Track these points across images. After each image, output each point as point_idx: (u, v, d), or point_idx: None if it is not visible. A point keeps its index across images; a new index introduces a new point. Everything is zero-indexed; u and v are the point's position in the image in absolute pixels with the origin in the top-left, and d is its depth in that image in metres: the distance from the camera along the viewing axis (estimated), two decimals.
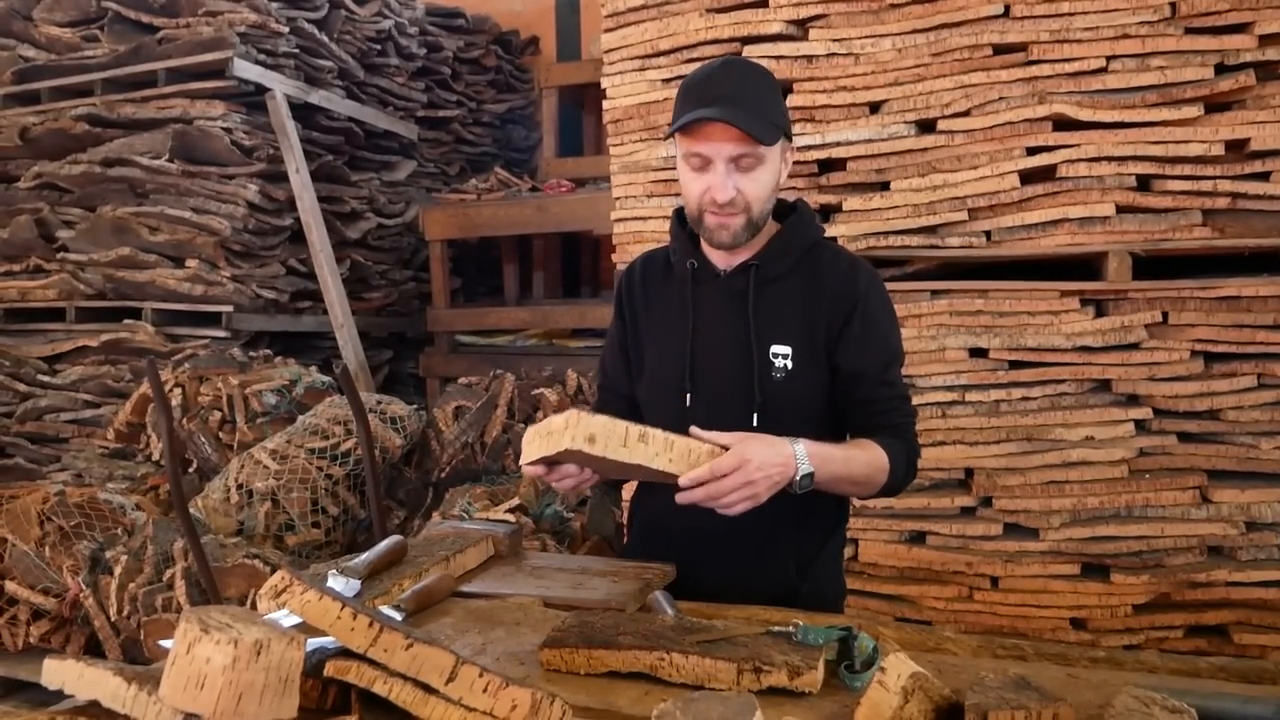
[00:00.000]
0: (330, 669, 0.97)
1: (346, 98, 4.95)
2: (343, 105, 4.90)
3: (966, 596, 2.34)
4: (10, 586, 3.23)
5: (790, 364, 1.47)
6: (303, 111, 4.66)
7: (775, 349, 1.48)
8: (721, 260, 1.51)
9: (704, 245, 1.52)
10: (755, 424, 1.46)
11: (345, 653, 0.98)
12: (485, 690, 0.93)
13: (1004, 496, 2.31)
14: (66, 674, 0.93)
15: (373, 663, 0.96)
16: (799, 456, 1.30)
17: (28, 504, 3.39)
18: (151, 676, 0.89)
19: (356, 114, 4.97)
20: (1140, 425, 2.26)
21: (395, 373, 5.31)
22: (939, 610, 2.35)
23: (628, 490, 2.27)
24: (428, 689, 0.94)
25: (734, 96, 1.37)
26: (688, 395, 1.51)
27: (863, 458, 1.41)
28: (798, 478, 1.30)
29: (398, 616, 1.21)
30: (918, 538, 2.39)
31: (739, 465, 1.24)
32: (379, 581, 1.31)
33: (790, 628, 1.14)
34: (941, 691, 0.96)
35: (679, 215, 1.56)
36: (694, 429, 1.29)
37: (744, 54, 2.47)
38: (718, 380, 1.51)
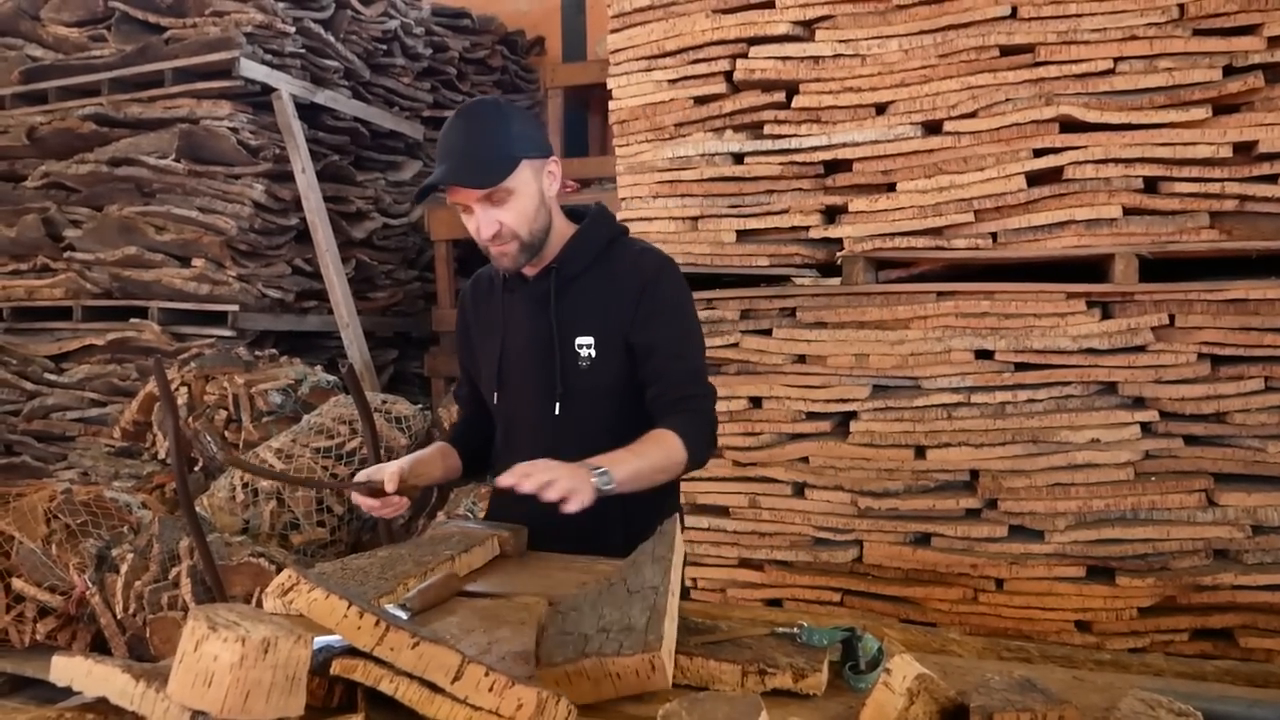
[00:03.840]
0: (336, 667, 0.97)
1: (352, 98, 4.95)
2: (349, 105, 4.90)
3: (971, 599, 2.34)
4: (17, 584, 3.24)
5: (594, 353, 1.61)
6: (309, 111, 4.67)
7: (579, 340, 1.62)
8: (529, 268, 1.64)
9: None
10: (557, 412, 1.61)
11: (352, 651, 0.98)
12: (491, 689, 0.93)
13: (1009, 498, 2.31)
14: (75, 671, 0.93)
15: (379, 661, 0.96)
16: (591, 464, 1.42)
17: (35, 502, 3.40)
18: (160, 674, 0.89)
19: (362, 114, 4.97)
20: (1146, 428, 2.25)
21: (400, 372, 5.31)
22: (943, 612, 2.35)
23: None
24: (434, 688, 0.94)
25: (463, 149, 1.52)
26: (495, 394, 1.70)
27: (656, 449, 1.51)
28: (593, 476, 1.41)
29: (403, 615, 1.21)
30: (922, 539, 2.39)
31: (529, 470, 1.38)
32: (384, 580, 1.31)
33: (795, 629, 1.14)
34: (947, 693, 0.96)
35: None
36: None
37: (751, 55, 2.47)
38: (523, 376, 1.66)
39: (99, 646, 3.24)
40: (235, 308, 4.44)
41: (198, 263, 4.47)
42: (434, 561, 1.38)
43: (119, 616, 3.12)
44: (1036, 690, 0.97)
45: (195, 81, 4.44)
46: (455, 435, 1.84)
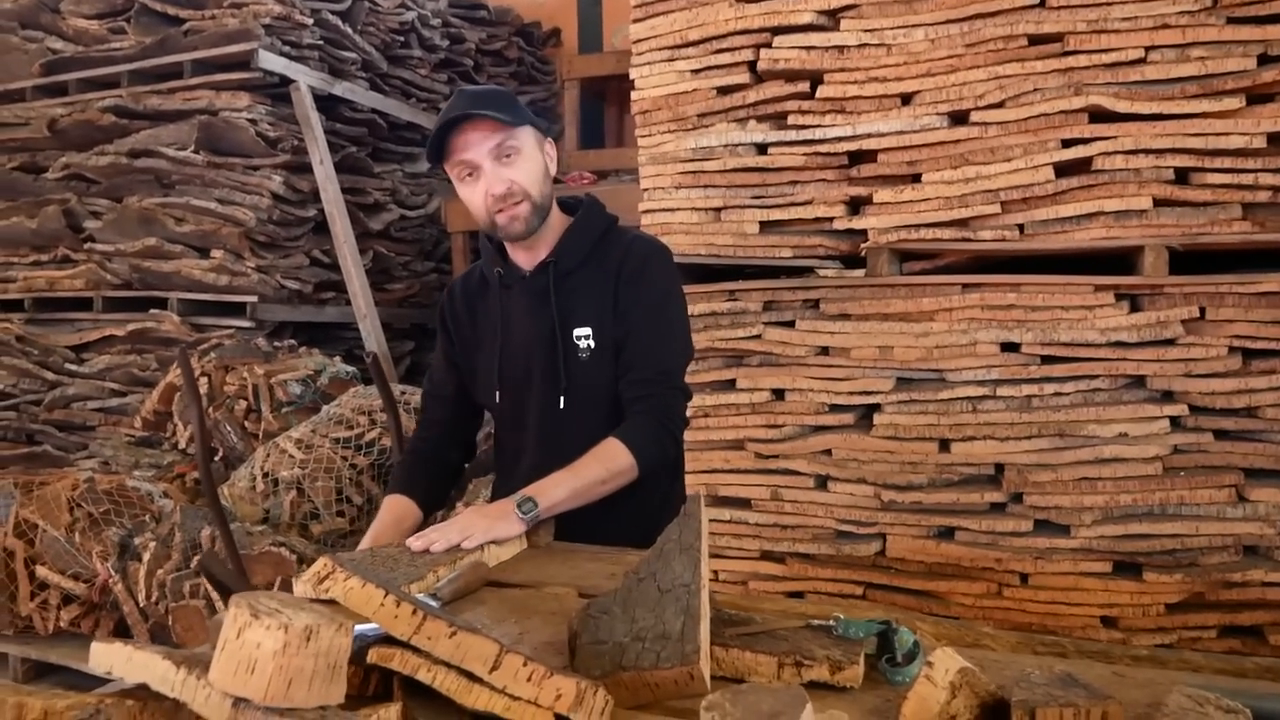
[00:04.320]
0: (373, 655, 0.97)
1: (370, 89, 4.96)
2: (366, 97, 4.90)
3: (995, 593, 2.32)
4: (41, 571, 3.27)
5: (592, 343, 1.61)
6: (326, 103, 4.68)
7: (578, 331, 1.62)
8: (525, 262, 1.65)
9: (509, 251, 1.66)
10: (563, 406, 1.62)
11: (388, 640, 0.98)
12: (529, 679, 0.92)
13: (1035, 493, 2.29)
14: (114, 657, 0.93)
15: (416, 650, 0.96)
16: (518, 496, 1.46)
17: (58, 490, 3.42)
18: (201, 660, 0.89)
19: (379, 106, 4.98)
20: (1175, 422, 2.23)
21: (417, 364, 5.32)
22: (967, 606, 2.33)
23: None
24: (471, 677, 0.94)
25: (471, 104, 1.53)
26: (497, 393, 1.68)
27: (594, 465, 1.52)
28: (516, 506, 1.45)
29: (434, 604, 1.21)
30: (946, 533, 2.38)
31: (456, 520, 1.43)
32: (413, 568, 1.31)
33: (830, 621, 1.13)
34: (987, 687, 0.95)
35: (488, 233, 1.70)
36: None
37: (774, 44, 2.46)
38: (527, 373, 1.65)
39: (121, 634, 3.26)
40: (254, 299, 4.46)
41: (217, 254, 4.48)
42: (464, 551, 1.38)
43: (141, 604, 3.13)
44: (1079, 685, 0.96)
45: (214, 73, 4.46)
46: (411, 473, 1.73)
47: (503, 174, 1.53)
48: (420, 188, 5.29)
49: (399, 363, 5.02)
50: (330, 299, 4.82)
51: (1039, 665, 1.13)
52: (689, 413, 1.79)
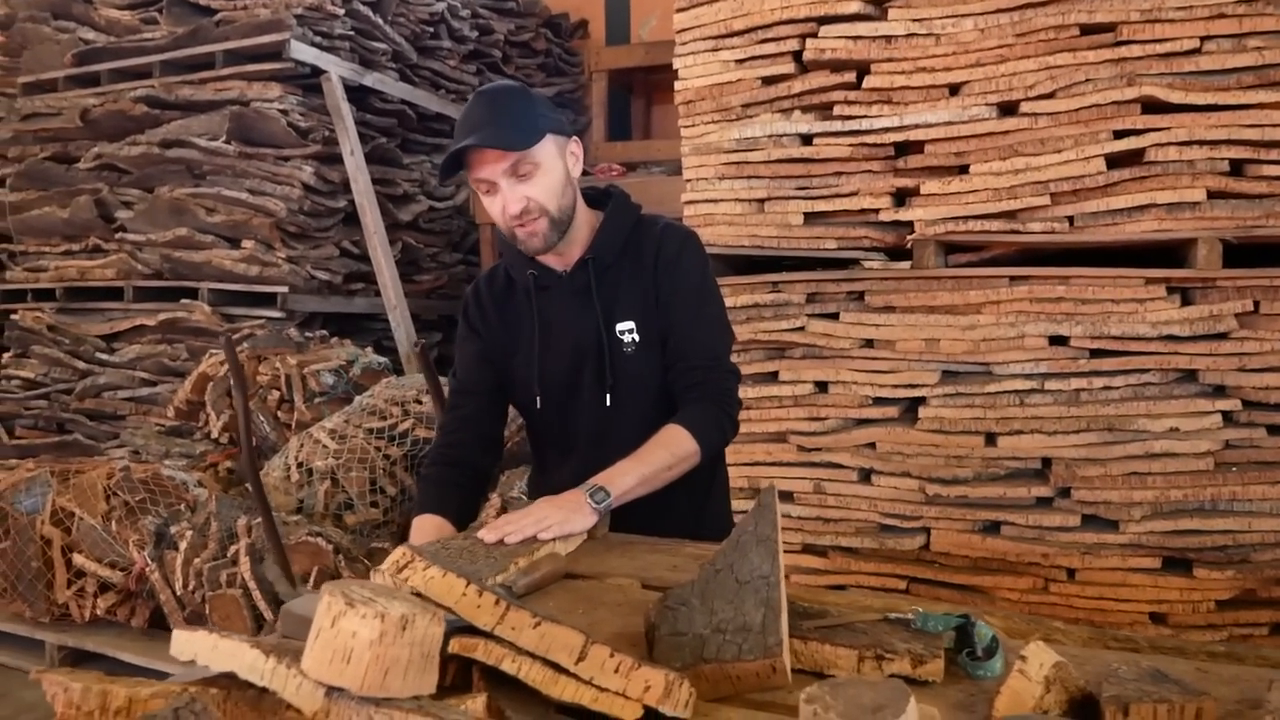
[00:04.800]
0: (456, 645, 0.96)
1: (399, 80, 4.95)
2: (396, 88, 4.90)
3: (1042, 588, 2.31)
4: (78, 559, 3.29)
5: (637, 336, 1.58)
6: (356, 94, 4.68)
7: (620, 326, 1.59)
8: (559, 262, 1.60)
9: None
10: (609, 404, 1.59)
11: (468, 630, 0.97)
12: (617, 670, 0.91)
13: (1083, 487, 2.27)
14: (198, 645, 0.93)
15: (500, 640, 0.95)
16: (588, 485, 1.43)
17: (94, 479, 3.44)
18: (289, 650, 0.88)
19: (409, 96, 4.97)
20: (1228, 417, 2.20)
21: (444, 356, 5.32)
22: (1012, 602, 2.32)
23: None
24: (557, 668, 0.93)
25: (486, 120, 1.47)
26: (538, 398, 1.63)
27: (659, 451, 1.50)
28: (588, 496, 1.42)
29: (510, 597, 1.20)
30: (992, 528, 2.36)
31: (529, 510, 1.40)
32: (491, 559, 1.30)
33: (909, 614, 1.11)
34: (1077, 682, 0.94)
35: None
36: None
37: (821, 34, 2.43)
38: (571, 373, 1.61)
39: (157, 623, 3.28)
40: (284, 289, 4.47)
41: (247, 244, 4.49)
42: (539, 542, 1.37)
43: (178, 593, 3.15)
44: (1169, 681, 0.94)
45: (245, 64, 4.46)
46: (442, 490, 1.61)
47: (519, 191, 1.48)
48: (448, 179, 5.29)
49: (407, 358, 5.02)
50: (359, 290, 4.83)
51: (1119, 661, 1.12)
52: None
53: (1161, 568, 2.23)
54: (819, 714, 0.77)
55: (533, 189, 1.48)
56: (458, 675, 1.01)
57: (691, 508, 1.65)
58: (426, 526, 1.54)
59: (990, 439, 2.35)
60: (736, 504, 1.89)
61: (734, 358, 1.72)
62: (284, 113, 4.39)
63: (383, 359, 4.06)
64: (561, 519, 1.40)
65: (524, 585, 1.25)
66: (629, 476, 1.48)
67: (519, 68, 5.78)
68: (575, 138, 1.57)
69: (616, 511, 1.56)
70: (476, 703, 0.92)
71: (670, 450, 1.52)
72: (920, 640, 1.07)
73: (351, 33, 4.64)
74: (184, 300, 4.63)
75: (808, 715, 0.77)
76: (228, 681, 0.95)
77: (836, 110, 2.44)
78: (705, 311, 1.60)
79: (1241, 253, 2.18)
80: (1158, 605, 2.22)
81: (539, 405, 1.64)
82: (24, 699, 3.23)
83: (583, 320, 1.59)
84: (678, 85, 2.59)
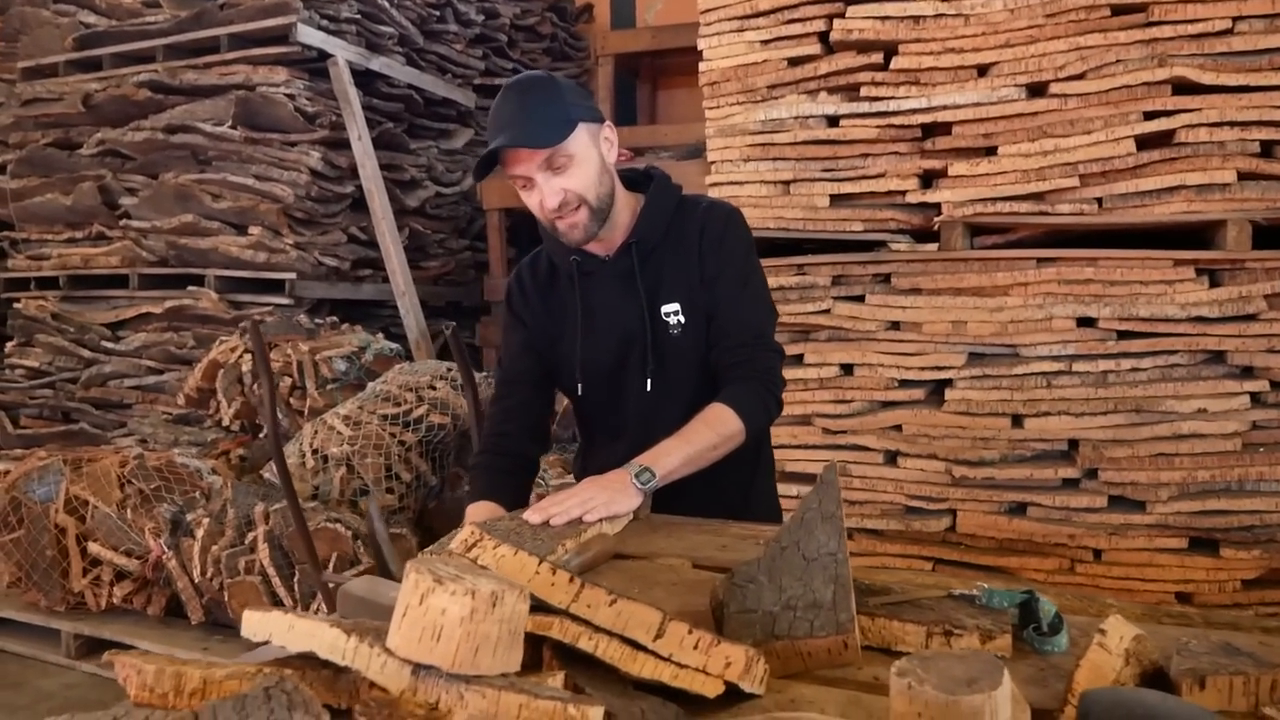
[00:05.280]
0: (531, 624, 0.95)
1: (406, 64, 4.91)
2: (402, 72, 4.87)
3: (1068, 569, 2.31)
4: (94, 548, 3.27)
5: (683, 318, 1.57)
6: (363, 78, 4.64)
7: (666, 308, 1.58)
8: (601, 248, 1.59)
9: None
10: (649, 389, 1.58)
11: (539, 609, 0.97)
12: (696, 647, 0.91)
13: (1110, 468, 2.27)
14: (273, 625, 0.92)
15: (575, 618, 0.94)
16: (633, 465, 1.43)
17: (108, 467, 3.43)
18: (369, 629, 0.87)
19: (416, 81, 4.94)
20: (1256, 398, 2.20)
21: None
22: (1038, 583, 2.31)
23: None
24: (635, 645, 0.92)
25: (519, 116, 1.46)
26: (579, 385, 1.63)
27: (705, 430, 1.49)
28: (633, 476, 1.41)
29: None
30: (1018, 509, 2.36)
31: (574, 491, 1.40)
32: (539, 541, 1.30)
33: (974, 591, 1.11)
34: (1150, 656, 0.94)
35: None
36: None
37: (848, 14, 2.42)
38: (616, 359, 1.61)
39: (174, 610, 3.27)
40: (292, 276, 4.44)
41: (254, 230, 4.46)
42: (585, 524, 1.36)
43: (195, 581, 3.14)
44: (1242, 654, 0.94)
45: (251, 48, 4.42)
46: (495, 477, 1.62)
47: (555, 184, 1.48)
48: (455, 164, 5.26)
49: (433, 340, 5.00)
50: (367, 276, 4.80)
51: (1187, 636, 1.12)
52: None
53: (1188, 548, 2.24)
54: (913, 687, 0.76)
55: (569, 180, 1.48)
56: (528, 654, 1.01)
57: (739, 487, 1.65)
58: (481, 513, 1.54)
59: (1017, 421, 2.35)
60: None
61: None
62: (290, 97, 4.36)
63: (394, 345, 4.04)
64: (606, 499, 1.39)
65: (575, 566, 1.24)
66: (673, 456, 1.47)
67: (524, 52, 5.75)
68: (608, 123, 1.56)
69: (666, 493, 1.56)
70: (555, 680, 0.92)
71: (715, 430, 1.51)
72: (987, 616, 1.07)
73: (358, 16, 4.60)
74: (190, 287, 4.60)
75: (901, 688, 0.77)
76: (301, 662, 0.94)
77: (863, 91, 2.42)
78: (749, 289, 1.59)
79: (1271, 234, 2.18)
80: (1184, 585, 2.23)
81: (581, 391, 1.64)
82: (41, 688, 3.22)
83: (627, 305, 1.58)
84: (702, 66, 2.57)
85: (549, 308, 1.65)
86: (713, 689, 0.89)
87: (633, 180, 1.63)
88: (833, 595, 1.03)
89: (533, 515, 1.36)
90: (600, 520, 1.40)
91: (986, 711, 0.73)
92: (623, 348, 1.60)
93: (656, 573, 1.32)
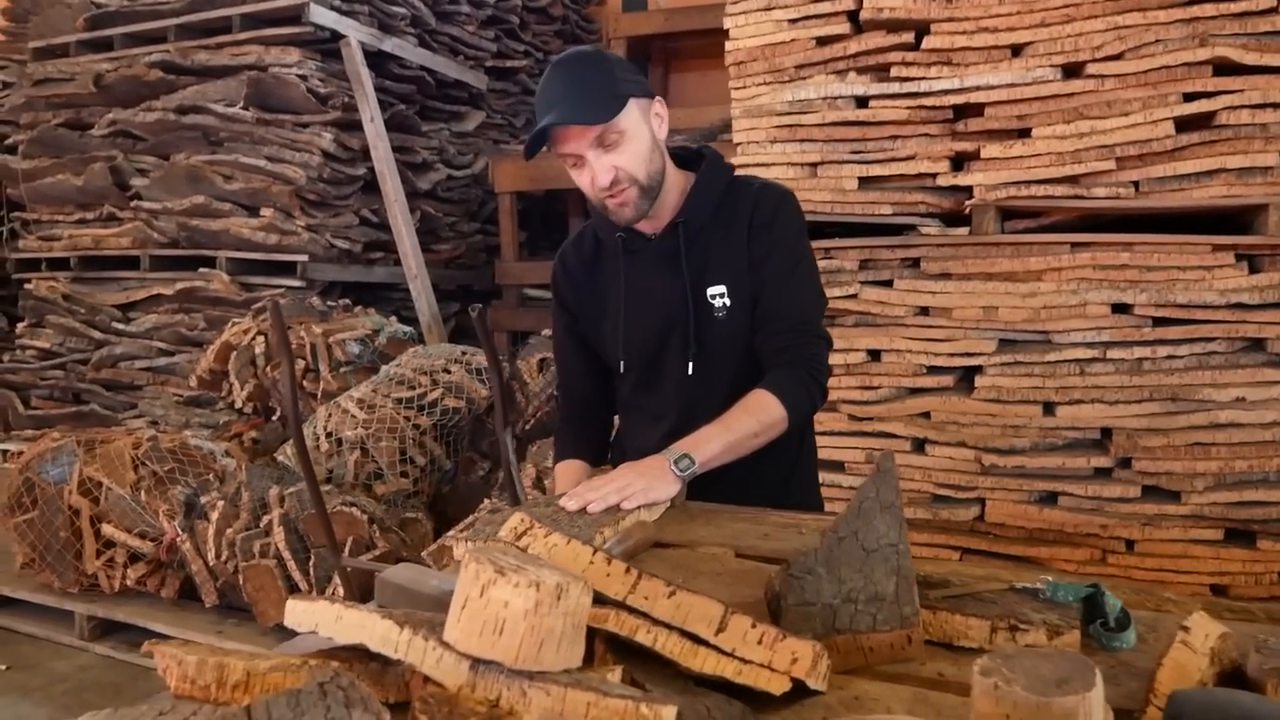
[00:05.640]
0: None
1: (418, 46, 4.86)
2: (415, 54, 4.81)
3: (1099, 559, 2.28)
4: (107, 529, 3.25)
5: (728, 300, 1.53)
6: (375, 60, 4.59)
7: (712, 290, 1.54)
8: (648, 226, 1.55)
9: None
10: (690, 371, 1.55)
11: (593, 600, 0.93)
12: (760, 642, 0.88)
13: (1144, 458, 2.23)
14: (320, 616, 0.88)
15: (632, 610, 0.91)
16: (672, 451, 1.40)
17: (121, 448, 3.40)
18: (422, 621, 0.84)
19: (428, 63, 4.88)
20: None
21: (461, 326, 5.27)
22: (1069, 574, 2.27)
23: None
24: (695, 639, 0.89)
25: (564, 94, 1.42)
26: (621, 363, 1.61)
27: (746, 417, 1.45)
28: (671, 463, 1.38)
29: None
30: (1049, 498, 2.32)
31: (612, 477, 1.37)
32: (575, 529, 1.26)
33: (1039, 584, 1.08)
34: (1230, 654, 0.90)
35: None
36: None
37: None
38: (655, 339, 1.58)
39: (189, 593, 3.25)
40: (304, 258, 4.40)
41: (266, 212, 4.43)
42: (623, 511, 1.33)
43: (210, 564, 3.12)
44: None
45: (263, 28, 4.37)
46: (578, 436, 1.70)
47: (606, 162, 1.44)
48: (467, 147, 5.21)
49: (445, 323, 4.97)
50: (378, 259, 4.76)
51: (1262, 633, 1.08)
52: None
53: (1223, 539, 2.20)
54: (1000, 687, 0.73)
55: (620, 158, 1.44)
56: None
57: (780, 476, 1.62)
58: (572, 470, 1.62)
59: (1049, 408, 2.31)
60: None
61: None
62: (303, 78, 4.31)
63: (408, 328, 4.01)
64: (645, 486, 1.36)
65: (618, 554, 1.21)
66: (714, 443, 1.44)
67: (536, 34, 5.69)
68: (659, 98, 1.52)
69: (704, 478, 1.52)
70: (614, 675, 0.88)
71: (757, 417, 1.47)
72: (1053, 610, 1.04)
73: None
74: (202, 269, 4.57)
75: (986, 688, 0.73)
76: (346, 653, 0.91)
77: (894, 72, 2.37)
78: (799, 274, 1.54)
79: None
80: (1219, 577, 2.20)
81: (623, 369, 1.61)
82: (55, 669, 3.20)
83: (670, 285, 1.54)
84: (728, 45, 2.52)
85: (595, 286, 1.62)
86: (779, 686, 0.86)
87: (683, 159, 1.58)
88: (895, 588, 0.99)
89: (570, 502, 1.33)
90: (638, 507, 1.37)
91: (1080, 714, 0.69)
92: (664, 329, 1.56)
93: (699, 562, 1.28)
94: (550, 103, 1.43)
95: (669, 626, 0.90)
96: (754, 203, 1.53)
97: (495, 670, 0.77)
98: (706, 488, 1.53)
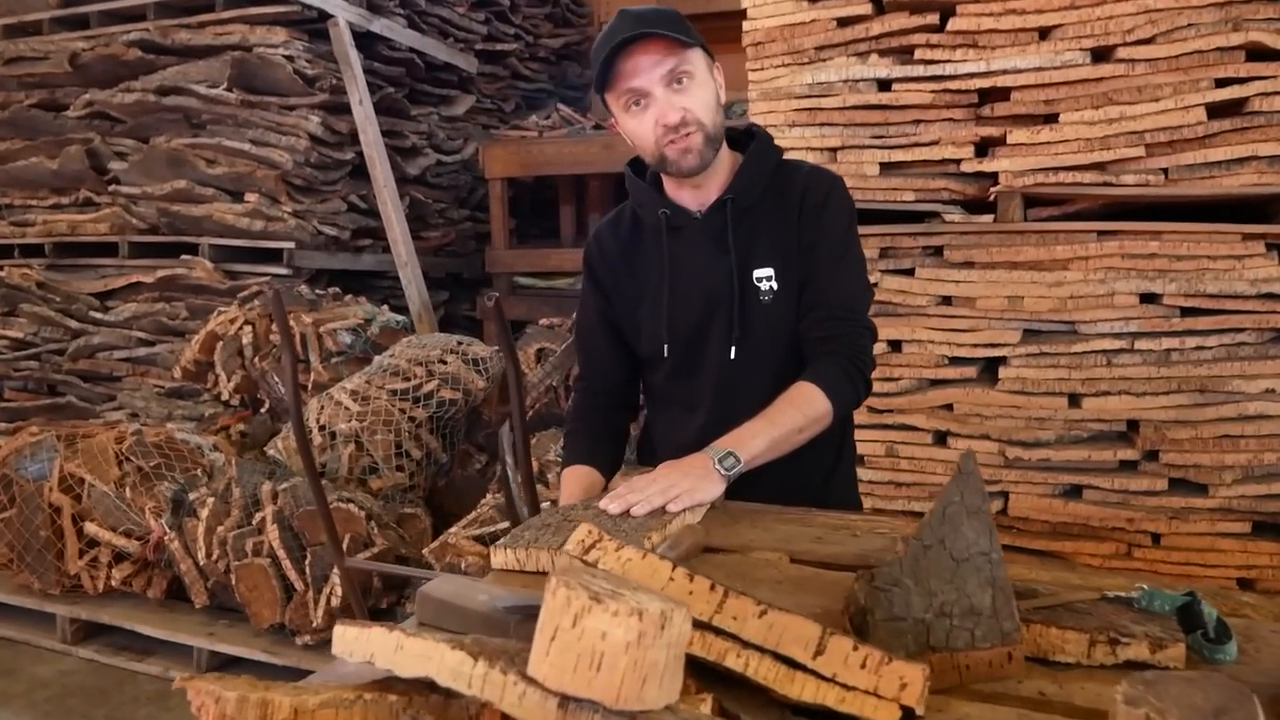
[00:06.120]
0: None
1: (408, 27, 4.73)
2: (404, 35, 4.68)
3: (1125, 553, 2.24)
4: (90, 528, 3.13)
5: (775, 284, 1.47)
6: (364, 41, 4.46)
7: (759, 273, 1.48)
8: (694, 201, 1.50)
9: (669, 191, 1.51)
10: (732, 357, 1.48)
11: None
12: (864, 666, 0.80)
13: (1172, 450, 2.19)
14: (377, 645, 0.79)
15: (719, 631, 0.83)
16: (715, 448, 1.33)
17: (104, 443, 3.28)
18: (500, 651, 0.76)
19: (418, 44, 4.76)
20: None
21: (450, 315, 5.16)
22: (1094, 568, 2.24)
23: None
24: (791, 663, 0.82)
25: (638, 23, 1.37)
26: (665, 346, 1.53)
27: (790, 411, 1.40)
28: (715, 461, 1.32)
29: None
30: (1074, 491, 2.28)
31: (654, 477, 1.30)
32: (621, 534, 1.19)
33: (1134, 593, 1.02)
34: None
35: (634, 168, 1.56)
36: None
37: None
38: (701, 320, 1.51)
39: (177, 594, 3.14)
40: (290, 245, 4.27)
41: (251, 198, 4.29)
42: (669, 514, 1.25)
43: (200, 563, 3.01)
44: None
45: (248, 6, 4.23)
46: (590, 441, 1.59)
47: (675, 101, 1.38)
48: (456, 132, 5.09)
49: (435, 312, 4.86)
50: (367, 246, 4.64)
51: None
52: None
53: (1251, 532, 2.17)
54: (1152, 718, 0.67)
55: (689, 99, 1.39)
56: None
57: (821, 475, 1.55)
58: (579, 477, 1.51)
59: (1074, 400, 2.26)
60: None
61: None
62: (289, 59, 4.17)
63: (401, 317, 3.91)
64: (689, 487, 1.29)
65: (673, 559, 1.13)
66: (759, 440, 1.36)
67: (526, 17, 5.57)
68: (719, 65, 1.47)
69: (742, 477, 1.45)
70: (705, 706, 0.81)
71: (803, 411, 1.40)
72: (1156, 622, 0.98)
73: None
74: (184, 256, 4.42)
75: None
76: (405, 684, 0.82)
77: (917, 54, 2.30)
78: (846, 261, 1.48)
79: None
80: (1246, 571, 2.17)
81: (666, 354, 1.53)
82: (36, 675, 3.09)
83: (716, 265, 1.47)
84: (746, 26, 2.44)
85: (632, 267, 1.55)
86: (888, 715, 0.79)
87: (732, 139, 1.52)
88: (992, 600, 0.93)
89: (611, 504, 1.26)
90: (684, 510, 1.30)
91: None
92: (707, 311, 1.49)
93: (754, 569, 1.21)
94: (619, 33, 1.36)
95: (761, 649, 0.83)
96: (805, 186, 1.47)
97: (589, 710, 0.69)
98: (745, 486, 1.46)
